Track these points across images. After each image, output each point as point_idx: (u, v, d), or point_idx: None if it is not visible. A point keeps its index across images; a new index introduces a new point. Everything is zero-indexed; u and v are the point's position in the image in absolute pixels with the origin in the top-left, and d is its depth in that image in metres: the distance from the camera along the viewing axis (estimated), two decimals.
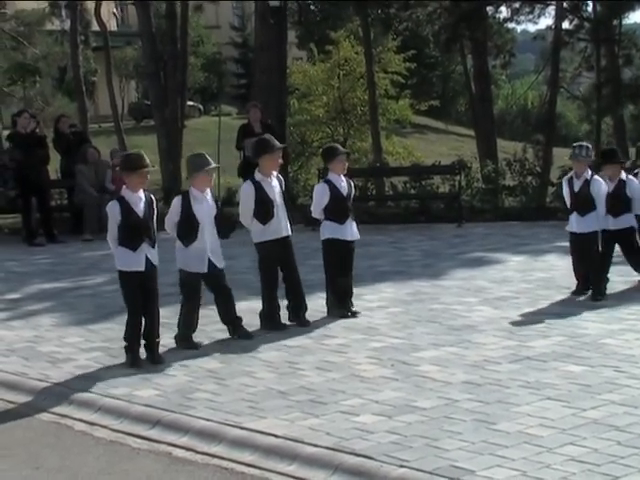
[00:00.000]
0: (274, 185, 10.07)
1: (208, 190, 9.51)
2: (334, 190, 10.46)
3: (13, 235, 19.14)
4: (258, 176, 10.02)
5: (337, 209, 10.48)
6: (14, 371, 8.87)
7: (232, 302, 9.74)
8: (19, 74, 35.58)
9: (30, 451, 6.97)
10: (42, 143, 18.46)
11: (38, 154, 18.00)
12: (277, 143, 10.23)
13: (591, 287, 10.83)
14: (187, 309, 9.54)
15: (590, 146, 11.02)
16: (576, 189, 10.87)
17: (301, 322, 10.12)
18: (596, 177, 10.86)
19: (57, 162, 20.31)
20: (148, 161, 8.92)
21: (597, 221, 10.85)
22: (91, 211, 18.15)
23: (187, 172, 9.60)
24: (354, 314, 10.47)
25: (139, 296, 8.87)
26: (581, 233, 10.87)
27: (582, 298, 10.74)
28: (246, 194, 10.06)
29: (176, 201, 9.51)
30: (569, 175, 11.16)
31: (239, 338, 9.59)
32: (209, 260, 9.43)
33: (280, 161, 10.26)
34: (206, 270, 9.43)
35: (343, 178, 10.59)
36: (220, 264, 9.55)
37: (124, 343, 8.93)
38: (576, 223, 10.92)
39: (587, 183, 10.79)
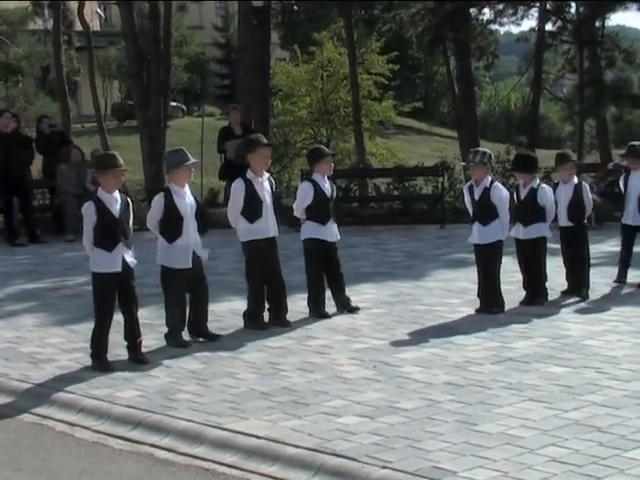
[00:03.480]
0: (265, 185, 10.10)
1: (187, 186, 9.49)
2: (318, 190, 10.49)
3: None
4: (249, 174, 10.05)
5: (320, 209, 10.50)
6: None
7: (206, 302, 9.66)
8: (1, 73, 35.48)
9: (11, 452, 6.94)
10: (26, 143, 18.43)
11: (20, 154, 17.95)
12: (263, 140, 10.27)
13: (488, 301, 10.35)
14: (173, 306, 9.51)
15: (487, 151, 10.42)
16: (476, 197, 10.34)
17: (282, 323, 10.11)
18: (496, 184, 10.36)
19: (40, 162, 20.26)
20: (122, 161, 8.89)
21: (501, 230, 10.29)
22: (71, 211, 18.10)
23: (166, 168, 9.56)
24: (354, 309, 10.59)
25: (113, 299, 8.79)
26: (484, 244, 10.32)
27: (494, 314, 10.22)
28: (236, 191, 10.08)
29: (158, 198, 9.44)
30: (469, 183, 10.64)
31: (206, 340, 9.54)
32: (192, 254, 9.43)
33: (268, 157, 10.26)
34: (190, 265, 9.41)
35: (327, 180, 10.62)
36: (203, 254, 9.51)
37: (90, 350, 8.84)
38: (478, 233, 10.35)
39: (487, 191, 10.25)
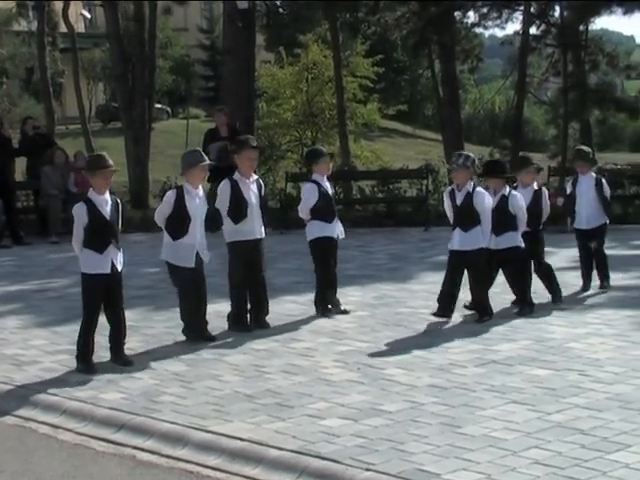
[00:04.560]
0: (252, 187, 10.13)
1: (201, 187, 9.60)
2: (322, 190, 10.53)
3: None
4: (237, 176, 10.11)
5: (325, 208, 10.58)
6: None
7: (205, 304, 9.71)
8: None
9: None
10: (4, 144, 18.37)
11: (3, 156, 17.89)
12: (251, 142, 10.31)
13: (474, 308, 10.21)
14: (184, 301, 9.57)
15: (471, 155, 10.18)
16: (458, 202, 10.10)
17: (261, 325, 10.12)
18: (479, 189, 10.12)
19: (24, 164, 20.21)
20: (111, 162, 8.90)
21: (482, 237, 10.03)
22: (55, 213, 18.09)
23: (182, 168, 9.64)
24: (344, 312, 10.61)
25: (100, 300, 8.79)
26: (465, 251, 10.04)
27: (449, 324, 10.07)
28: (222, 191, 10.15)
29: (170, 194, 9.57)
30: (450, 187, 10.41)
31: (204, 341, 9.54)
32: (196, 254, 9.48)
33: (255, 159, 10.27)
34: (193, 265, 9.45)
35: (326, 180, 10.66)
36: (206, 258, 9.59)
37: (76, 352, 8.81)
38: (459, 239, 10.10)
39: (470, 196, 10.02)
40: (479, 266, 10.14)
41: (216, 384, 8.08)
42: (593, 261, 11.65)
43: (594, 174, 11.71)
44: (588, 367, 8.14)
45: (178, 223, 9.43)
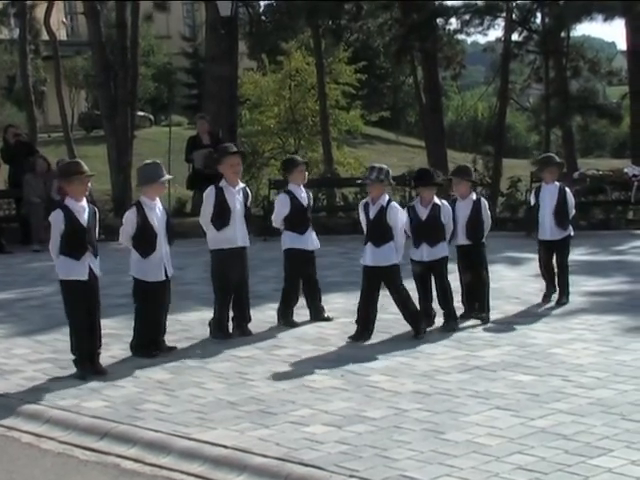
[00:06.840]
0: (237, 195, 10.10)
1: (157, 198, 9.46)
2: (295, 200, 10.54)
3: None
4: (222, 183, 10.07)
5: (297, 219, 10.54)
6: None
7: (166, 316, 9.59)
8: None
9: None
10: None
11: None
12: (231, 149, 10.30)
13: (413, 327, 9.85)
14: (143, 317, 9.44)
15: (385, 168, 9.72)
16: (371, 216, 9.73)
17: (243, 332, 10.12)
18: (393, 204, 9.72)
19: (5, 172, 20.17)
20: (87, 167, 8.84)
21: (395, 253, 9.69)
22: (38, 221, 18.02)
23: (139, 181, 9.47)
24: (327, 319, 10.64)
25: (83, 304, 8.75)
26: (377, 267, 9.73)
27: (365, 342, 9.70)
28: (207, 198, 10.14)
29: (130, 213, 9.34)
30: (365, 200, 10.01)
31: (162, 353, 9.41)
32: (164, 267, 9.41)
33: (238, 165, 10.19)
34: (164, 278, 9.38)
35: (302, 189, 10.66)
36: (170, 272, 9.51)
37: (72, 356, 8.82)
38: (371, 255, 9.76)
39: (383, 210, 9.66)
40: (396, 282, 9.86)
41: (199, 392, 8.06)
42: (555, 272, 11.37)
43: (557, 183, 11.38)
44: (571, 372, 8.16)
45: (145, 240, 9.27)
